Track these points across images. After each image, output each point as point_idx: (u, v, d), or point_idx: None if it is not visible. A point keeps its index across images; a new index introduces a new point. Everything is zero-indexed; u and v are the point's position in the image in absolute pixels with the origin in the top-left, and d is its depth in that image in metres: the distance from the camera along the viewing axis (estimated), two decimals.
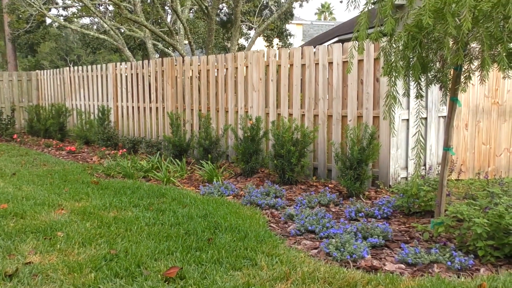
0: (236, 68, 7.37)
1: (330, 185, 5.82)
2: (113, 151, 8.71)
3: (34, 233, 3.86)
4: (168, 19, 14.38)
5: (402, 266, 3.27)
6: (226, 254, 3.32)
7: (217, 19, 16.88)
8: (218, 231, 3.87)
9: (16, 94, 13.13)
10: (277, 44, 21.16)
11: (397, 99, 3.48)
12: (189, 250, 3.43)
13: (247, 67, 7.22)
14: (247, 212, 4.50)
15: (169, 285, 2.85)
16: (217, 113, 7.72)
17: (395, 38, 3.25)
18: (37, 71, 13.56)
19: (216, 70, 7.74)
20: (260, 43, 23.25)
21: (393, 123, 5.33)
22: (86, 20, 20.90)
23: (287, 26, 21.09)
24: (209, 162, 6.46)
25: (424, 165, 5.83)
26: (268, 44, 20.58)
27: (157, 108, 8.96)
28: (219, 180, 5.92)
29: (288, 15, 19.56)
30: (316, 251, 3.56)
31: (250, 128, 6.42)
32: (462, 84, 3.71)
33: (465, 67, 3.66)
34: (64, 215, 4.42)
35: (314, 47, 6.34)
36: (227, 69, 7.55)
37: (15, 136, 11.51)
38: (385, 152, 5.57)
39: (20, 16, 16.48)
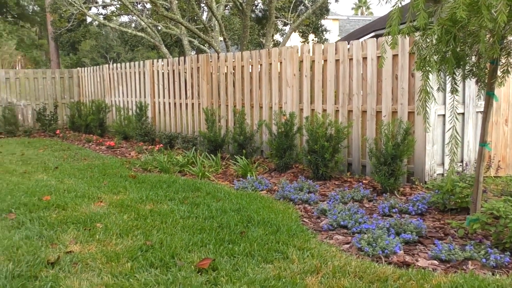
0: (270, 64, 7.40)
1: (364, 181, 5.79)
2: (150, 146, 8.91)
3: (75, 224, 4.02)
4: (204, 16, 14.55)
5: (435, 262, 3.25)
6: (258, 247, 3.38)
7: (252, 15, 16.96)
8: (251, 225, 3.93)
9: (59, 91, 13.56)
10: (313, 39, 21.07)
11: (431, 94, 3.44)
12: (222, 242, 3.50)
13: (281, 63, 7.24)
14: (280, 207, 4.54)
15: (202, 276, 2.92)
16: (251, 108, 7.79)
17: (429, 32, 3.21)
18: (78, 68, 13.96)
19: (250, 66, 7.80)
20: (295, 39, 23.19)
21: (427, 118, 5.24)
22: (124, 18, 21.39)
23: (323, 21, 20.97)
24: (243, 157, 6.53)
25: (461, 161, 5.72)
26: (304, 40, 20.51)
27: (193, 104, 9.09)
28: (253, 175, 5.98)
29: (323, 11, 19.43)
30: (348, 246, 3.57)
31: (284, 123, 6.45)
32: (499, 79, 3.63)
33: (503, 60, 3.58)
34: (103, 207, 4.58)
35: (348, 43, 6.31)
36: (261, 65, 7.60)
37: (57, 131, 11.91)
38: (421, 148, 5.50)
39: (62, 15, 17.01)
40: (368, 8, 54.57)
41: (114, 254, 3.29)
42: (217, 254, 3.27)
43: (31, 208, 4.47)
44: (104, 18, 17.24)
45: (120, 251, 3.36)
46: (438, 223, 4.17)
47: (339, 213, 4.22)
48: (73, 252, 3.35)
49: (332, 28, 31.46)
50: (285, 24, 17.79)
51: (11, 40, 23.26)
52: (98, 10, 19.39)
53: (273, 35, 18.33)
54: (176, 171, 6.54)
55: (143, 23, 11.76)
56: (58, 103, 13.43)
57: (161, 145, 8.71)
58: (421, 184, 5.43)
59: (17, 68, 35.86)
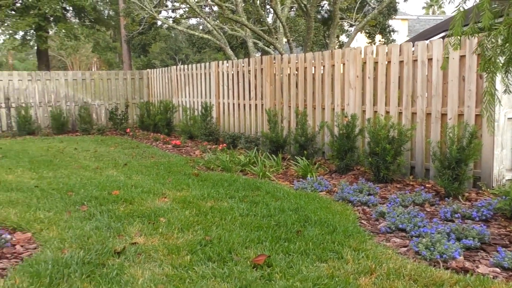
0: (333, 65, 7.39)
1: (427, 185, 5.66)
2: (214, 146, 9.15)
3: (140, 218, 4.24)
4: (269, 18, 14.70)
5: (497, 269, 3.15)
6: (313, 246, 3.42)
7: (318, 16, 16.92)
8: (308, 224, 3.97)
9: (130, 91, 14.20)
10: (380, 40, 20.68)
11: (496, 96, 3.34)
12: (278, 240, 3.58)
13: (344, 64, 7.21)
14: (337, 208, 4.55)
15: (257, 271, 3.01)
16: (313, 110, 7.81)
17: (494, 32, 3.12)
18: (148, 70, 14.55)
19: (313, 67, 7.82)
20: (362, 40, 22.86)
21: (491, 121, 5.05)
22: (192, 21, 22.02)
23: (390, 21, 20.52)
24: (304, 158, 6.57)
25: None
26: (370, 40, 20.18)
27: (256, 105, 9.24)
28: (313, 176, 6.01)
29: (391, 11, 19.03)
30: (405, 249, 3.54)
31: (345, 125, 6.43)
32: None
33: None
34: (166, 203, 4.79)
35: (413, 44, 6.19)
36: (324, 66, 7.60)
37: (128, 130, 12.49)
38: (488, 152, 5.30)
39: (134, 19, 17.79)
40: (440, 7, 52.66)
41: (175, 247, 3.46)
42: (273, 251, 3.35)
43: (102, 202, 4.75)
44: (173, 21, 17.85)
45: (180, 244, 3.52)
46: (503, 230, 4.03)
47: (398, 216, 4.17)
48: (137, 244, 3.55)
49: (400, 28, 30.69)
50: (351, 25, 17.60)
51: (88, 43, 24.64)
52: (167, 14, 20.08)
53: (338, 36, 18.18)
54: (237, 170, 6.69)
55: (209, 26, 12.07)
56: (129, 103, 14.06)
57: (225, 144, 8.92)
58: (488, 189, 5.24)
59: (93, 69, 37.81)
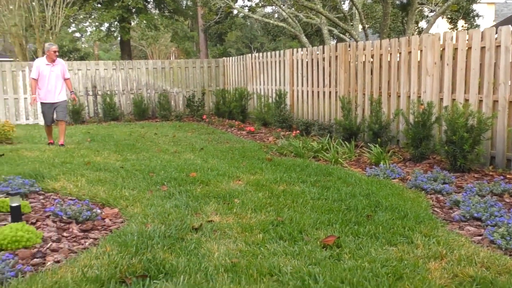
0: (410, 52, 7.24)
1: (508, 176, 5.45)
2: (287, 132, 9.28)
3: (215, 198, 4.46)
4: (345, 5, 14.51)
5: None
6: (383, 230, 3.46)
7: (397, 2, 16.41)
8: (378, 210, 4.00)
9: (206, 79, 14.64)
10: (462, 26, 19.73)
11: None
12: (348, 223, 3.65)
13: (421, 51, 7.04)
14: (410, 195, 4.53)
15: (326, 251, 3.11)
16: (388, 97, 7.70)
17: None
18: (223, 58, 14.90)
19: (389, 54, 7.70)
20: (443, 26, 21.91)
21: None
22: (267, 9, 22.14)
23: (475, 6, 19.48)
24: (377, 145, 6.54)
25: None
26: (452, 26, 19.29)
27: (330, 92, 9.24)
28: (386, 164, 5.97)
29: None
30: (479, 238, 3.48)
31: (421, 113, 6.31)
32: None
33: None
34: (240, 185, 4.99)
35: (496, 29, 5.94)
36: (400, 53, 7.46)
37: (204, 116, 12.92)
38: None
39: (211, 8, 18.22)
40: None
41: (249, 226, 3.63)
42: (342, 233, 3.43)
43: (180, 182, 5.04)
44: (249, 10, 18.07)
45: (253, 224, 3.69)
46: None
47: (473, 205, 4.08)
48: (213, 222, 3.76)
49: (486, 13, 29.01)
50: (431, 11, 16.94)
51: (167, 33, 25.56)
52: (243, 2, 20.37)
53: (417, 22, 17.55)
54: (310, 156, 6.77)
55: (284, 14, 12.14)
56: (205, 91, 14.50)
57: (298, 131, 9.02)
58: None
59: (171, 58, 39.14)
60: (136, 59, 34.91)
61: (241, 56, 13.33)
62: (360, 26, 11.06)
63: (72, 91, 8.38)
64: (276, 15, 19.56)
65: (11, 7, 14.08)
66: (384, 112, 7.47)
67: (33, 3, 14.29)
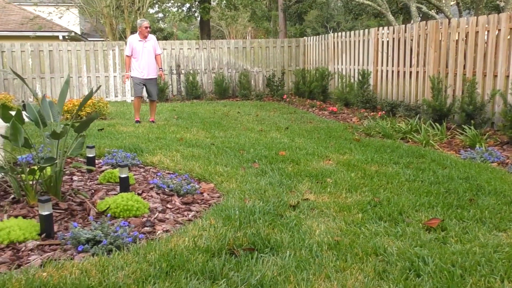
0: (511, 29, 6.80)
1: None
2: (371, 113, 9.08)
3: (308, 177, 4.48)
4: None
5: None
6: (489, 215, 3.32)
7: None
8: (481, 194, 3.84)
9: (286, 59, 14.60)
10: None
11: None
12: (450, 207, 3.54)
13: None
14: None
15: (430, 233, 3.04)
16: (483, 77, 7.30)
17: None
18: (304, 37, 14.77)
19: (486, 32, 7.28)
20: None
21: None
22: None
23: None
24: (472, 127, 6.25)
25: None
26: None
27: (417, 72, 8.91)
28: (482, 146, 5.70)
29: None
30: None
31: None
32: None
33: None
34: (331, 165, 4.97)
35: None
36: (499, 30, 7.03)
37: (284, 96, 12.94)
38: None
39: None
40: None
41: (346, 205, 3.62)
42: (445, 217, 3.33)
43: (271, 160, 5.11)
44: None
45: (350, 203, 3.67)
46: None
47: None
48: (309, 200, 3.79)
49: None
50: None
51: (245, 13, 25.68)
52: None
53: None
54: (398, 137, 6.61)
55: None
56: (285, 70, 14.48)
57: (383, 112, 8.81)
58: None
59: (248, 38, 39.35)
60: (213, 38, 35.47)
61: (323, 35, 13.14)
62: (452, 2, 10.50)
63: (161, 68, 8.61)
64: None
65: None
66: (478, 93, 7.11)
67: None
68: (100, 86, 4.28)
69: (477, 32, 7.43)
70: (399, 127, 6.94)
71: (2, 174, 4.13)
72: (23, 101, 10.46)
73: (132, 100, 13.56)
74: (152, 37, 8.38)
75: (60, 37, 20.27)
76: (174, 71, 13.88)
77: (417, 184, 4.17)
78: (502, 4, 9.55)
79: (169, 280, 2.35)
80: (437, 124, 6.88)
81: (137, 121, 8.27)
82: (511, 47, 6.78)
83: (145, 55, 8.16)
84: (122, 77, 13.29)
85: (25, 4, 24.17)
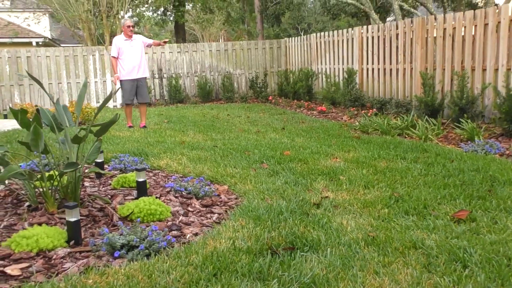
0: (499, 22, 6.95)
1: None
2: (362, 111, 9.15)
3: (320, 175, 4.47)
4: None
5: None
6: None
7: None
8: (496, 185, 3.90)
9: (268, 60, 14.61)
10: None
11: None
12: (471, 198, 3.58)
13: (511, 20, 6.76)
14: None
15: (461, 225, 3.06)
16: (472, 72, 7.44)
17: None
18: (285, 39, 14.81)
19: (473, 26, 7.42)
20: None
21: None
22: None
23: None
24: (468, 121, 6.35)
25: None
26: None
27: (404, 69, 9.03)
28: (480, 139, 5.80)
29: None
30: None
31: None
32: None
33: None
34: (339, 163, 4.97)
35: None
36: (486, 24, 7.18)
37: (270, 98, 12.93)
38: None
39: None
40: None
41: (367, 201, 3.62)
42: (470, 208, 3.36)
43: (278, 160, 5.08)
44: None
45: (371, 199, 3.68)
46: None
47: None
48: (329, 198, 3.78)
49: None
50: None
51: (220, 15, 25.62)
52: None
53: None
54: (395, 134, 6.67)
55: None
56: (267, 72, 14.48)
57: (374, 109, 8.88)
58: None
59: (220, 41, 39.26)
60: (188, 42, 35.25)
61: (306, 36, 13.20)
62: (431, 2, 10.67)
63: (164, 41, 8.70)
64: None
65: None
66: (468, 87, 7.24)
67: None
68: (119, 88, 4.17)
69: (465, 27, 7.57)
70: (395, 123, 7.01)
71: (9, 182, 4.00)
72: (35, 106, 10.14)
73: (114, 106, 13.35)
74: (138, 36, 8.22)
75: (34, 43, 19.83)
76: (156, 75, 13.73)
77: (431, 178, 4.20)
78: (481, 4, 9.75)
79: (220, 282, 2.30)
80: (432, 119, 6.98)
81: (130, 127, 8.12)
82: (500, 40, 6.93)
83: (132, 55, 7.96)
84: (112, 80, 13.03)
85: None
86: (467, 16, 7.51)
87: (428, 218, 3.22)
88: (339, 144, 5.95)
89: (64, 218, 3.13)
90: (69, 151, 3.38)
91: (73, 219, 2.87)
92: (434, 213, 3.30)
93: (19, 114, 3.03)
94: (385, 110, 8.86)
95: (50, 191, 3.32)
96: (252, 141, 6.30)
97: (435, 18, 8.25)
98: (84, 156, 3.52)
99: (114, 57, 8.02)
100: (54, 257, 2.72)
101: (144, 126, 8.07)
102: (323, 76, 11.93)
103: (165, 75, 13.79)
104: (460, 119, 6.72)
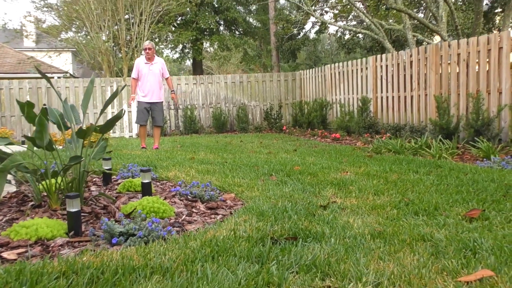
0: None
1: None
2: (376, 136, 9.07)
3: (329, 185, 4.38)
4: (421, 14, 14.07)
5: None
6: None
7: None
8: (511, 191, 3.77)
9: (283, 92, 14.72)
10: None
11: None
12: (484, 202, 3.45)
13: None
14: None
15: (472, 223, 2.94)
16: (487, 95, 7.37)
17: None
18: (300, 71, 14.95)
19: (487, 51, 7.39)
20: None
21: None
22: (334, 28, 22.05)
23: None
24: (484, 139, 6.24)
25: None
26: None
27: (419, 95, 8.99)
28: (497, 156, 5.66)
29: None
30: None
31: None
32: None
33: None
34: (350, 175, 4.88)
35: None
36: (501, 48, 7.15)
37: (284, 127, 12.95)
38: None
39: (288, 20, 18.42)
40: None
41: (376, 205, 3.52)
42: (483, 208, 3.24)
43: (288, 173, 5.01)
44: (321, 26, 18.06)
45: (380, 203, 3.57)
46: None
47: None
48: (336, 203, 3.68)
49: None
50: None
51: (238, 53, 26.08)
52: (315, 19, 20.45)
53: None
54: (409, 153, 6.56)
55: (367, 20, 12.05)
56: (282, 104, 14.57)
57: (388, 135, 8.80)
58: None
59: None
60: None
61: (320, 67, 13.31)
62: (445, 33, 10.72)
63: (173, 90, 8.55)
64: (347, 33, 19.43)
65: (102, 24, 14.98)
66: (483, 109, 7.15)
67: (120, 23, 15.09)
68: (125, 86, 4.20)
69: (478, 52, 7.54)
70: (408, 145, 6.91)
71: (18, 183, 3.99)
72: (22, 136, 10.32)
73: (130, 136, 13.49)
74: (159, 60, 8.34)
75: (55, 78, 20.32)
76: (172, 107, 13.89)
77: (443, 187, 4.09)
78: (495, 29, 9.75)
79: (216, 263, 2.22)
80: (447, 140, 6.87)
81: (143, 147, 8.16)
82: None
83: (150, 78, 8.08)
84: (128, 102, 13.21)
85: (20, 49, 24.38)
86: (480, 41, 7.50)
87: (439, 217, 3.11)
88: (350, 161, 5.86)
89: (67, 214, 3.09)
90: (74, 149, 3.37)
91: (73, 210, 2.83)
92: (444, 214, 3.19)
93: (25, 107, 3.05)
94: (399, 135, 8.77)
95: (53, 187, 3.30)
96: (262, 159, 6.25)
97: (449, 45, 8.25)
98: (90, 156, 3.50)
99: (133, 78, 8.16)
100: (52, 245, 2.67)
101: (157, 148, 8.10)
102: (338, 105, 11.94)
103: (180, 106, 13.94)
104: (475, 139, 6.60)
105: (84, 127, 3.69)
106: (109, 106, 13.40)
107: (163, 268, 2.11)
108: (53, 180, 3.31)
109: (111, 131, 13.40)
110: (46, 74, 20.53)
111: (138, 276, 2.04)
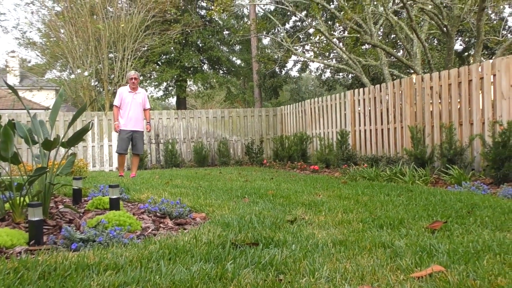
0: (481, 78, 7.15)
1: None
2: (354, 167, 9.15)
3: (300, 205, 4.40)
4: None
5: None
6: (489, 220, 3.30)
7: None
8: (476, 209, 3.83)
9: (264, 127, 14.86)
10: None
11: None
12: (449, 217, 3.50)
13: (494, 75, 6.94)
14: (503, 201, 4.32)
15: (434, 234, 2.98)
16: (459, 126, 7.54)
17: None
18: (281, 106, 15.15)
19: (458, 83, 7.62)
20: None
21: None
22: (316, 65, 22.57)
23: None
24: (455, 167, 6.34)
25: None
26: None
27: (395, 128, 9.16)
28: (467, 182, 5.75)
29: None
30: None
31: (501, 133, 6.13)
32: None
33: None
34: (322, 198, 4.91)
35: None
36: (470, 80, 7.38)
37: (264, 161, 12.99)
38: None
39: (270, 58, 18.81)
40: None
41: (343, 220, 3.54)
42: (446, 220, 3.28)
43: (261, 196, 5.02)
44: (302, 63, 18.45)
45: (348, 219, 3.59)
46: None
47: None
48: (305, 219, 3.69)
49: None
50: (497, 43, 16.69)
51: (222, 91, 26.41)
52: (296, 58, 20.92)
53: (482, 54, 17.33)
54: (383, 180, 6.63)
55: (345, 56, 12.36)
56: (263, 139, 14.68)
57: (365, 165, 8.89)
58: None
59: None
60: None
61: (300, 102, 13.52)
62: (419, 68, 11.04)
63: (148, 122, 8.65)
64: (327, 71, 19.89)
65: (85, 60, 15.14)
66: (456, 139, 7.30)
67: (103, 60, 15.26)
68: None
69: (450, 85, 7.77)
70: (383, 173, 6.99)
71: None
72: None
73: (110, 170, 13.40)
74: (142, 91, 8.50)
75: (35, 112, 20.29)
76: (153, 141, 13.90)
77: (411, 206, 4.14)
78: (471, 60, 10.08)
79: (172, 261, 2.21)
80: (421, 169, 6.97)
81: (121, 176, 8.14)
82: (484, 95, 7.08)
83: (133, 107, 8.21)
84: (113, 126, 13.17)
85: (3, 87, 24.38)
86: (452, 74, 7.73)
87: (402, 230, 3.14)
88: (324, 187, 5.90)
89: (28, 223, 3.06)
90: (41, 162, 3.37)
91: (35, 218, 2.80)
92: (408, 227, 3.22)
93: None
94: (376, 166, 8.86)
95: (18, 200, 3.27)
96: (238, 185, 6.26)
97: (422, 79, 8.49)
98: (56, 170, 3.50)
99: (116, 106, 8.27)
100: (10, 252, 2.63)
101: (134, 176, 8.07)
102: (317, 139, 12.07)
103: (161, 141, 13.97)
104: (448, 167, 6.71)
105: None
106: (90, 141, 13.37)
107: (118, 266, 2.10)
108: (17, 194, 3.28)
109: (91, 165, 13.32)
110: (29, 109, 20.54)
111: (91, 272, 2.02)
